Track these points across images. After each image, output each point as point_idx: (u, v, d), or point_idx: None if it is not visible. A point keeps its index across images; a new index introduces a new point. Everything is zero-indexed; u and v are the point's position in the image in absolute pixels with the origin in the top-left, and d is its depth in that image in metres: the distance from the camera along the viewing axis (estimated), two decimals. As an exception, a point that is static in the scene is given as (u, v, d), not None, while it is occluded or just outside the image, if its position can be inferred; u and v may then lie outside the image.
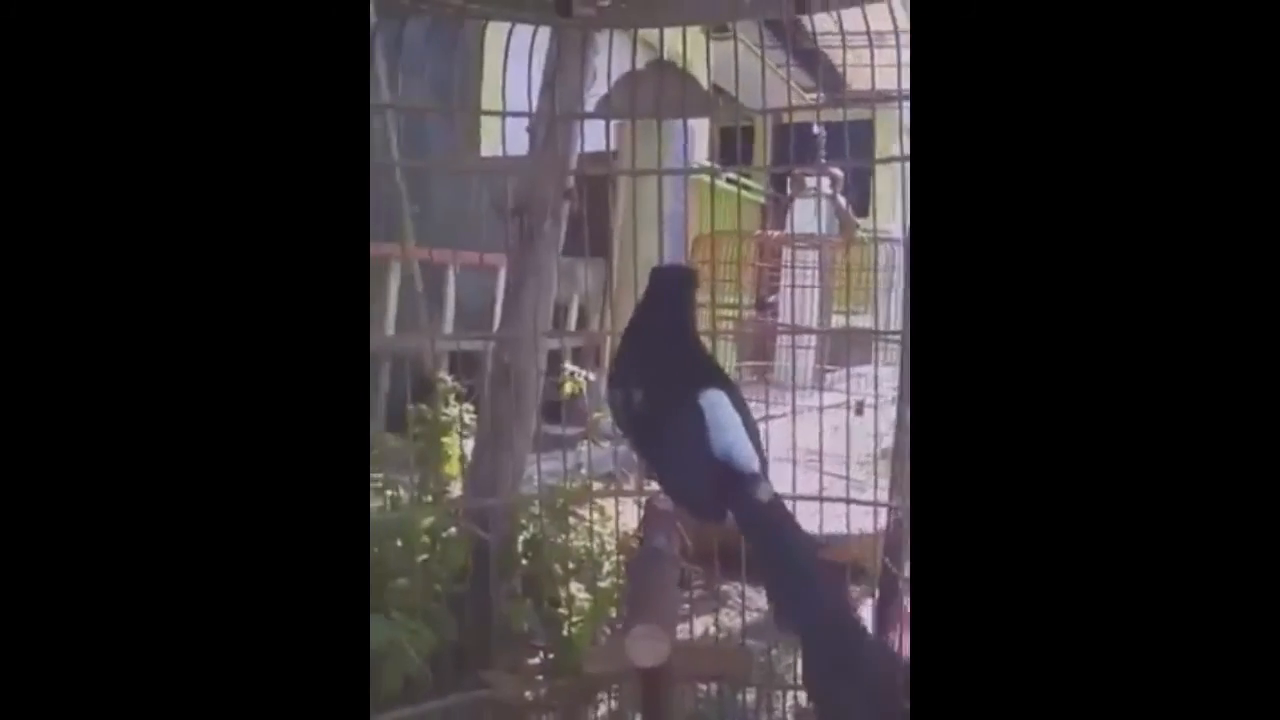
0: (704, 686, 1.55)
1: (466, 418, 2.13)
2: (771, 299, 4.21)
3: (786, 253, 4.12)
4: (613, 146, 2.29)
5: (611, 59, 1.73)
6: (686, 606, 2.10)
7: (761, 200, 5.62)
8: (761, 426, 1.66)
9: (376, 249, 2.99)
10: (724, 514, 0.93)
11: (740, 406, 0.98)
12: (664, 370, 0.99)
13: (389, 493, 1.84)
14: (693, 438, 0.93)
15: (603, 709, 1.61)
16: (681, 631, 1.72)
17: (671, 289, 1.06)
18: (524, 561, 1.80)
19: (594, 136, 1.77)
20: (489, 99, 1.62)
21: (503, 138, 1.57)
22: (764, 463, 0.97)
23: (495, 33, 1.68)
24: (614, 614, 1.68)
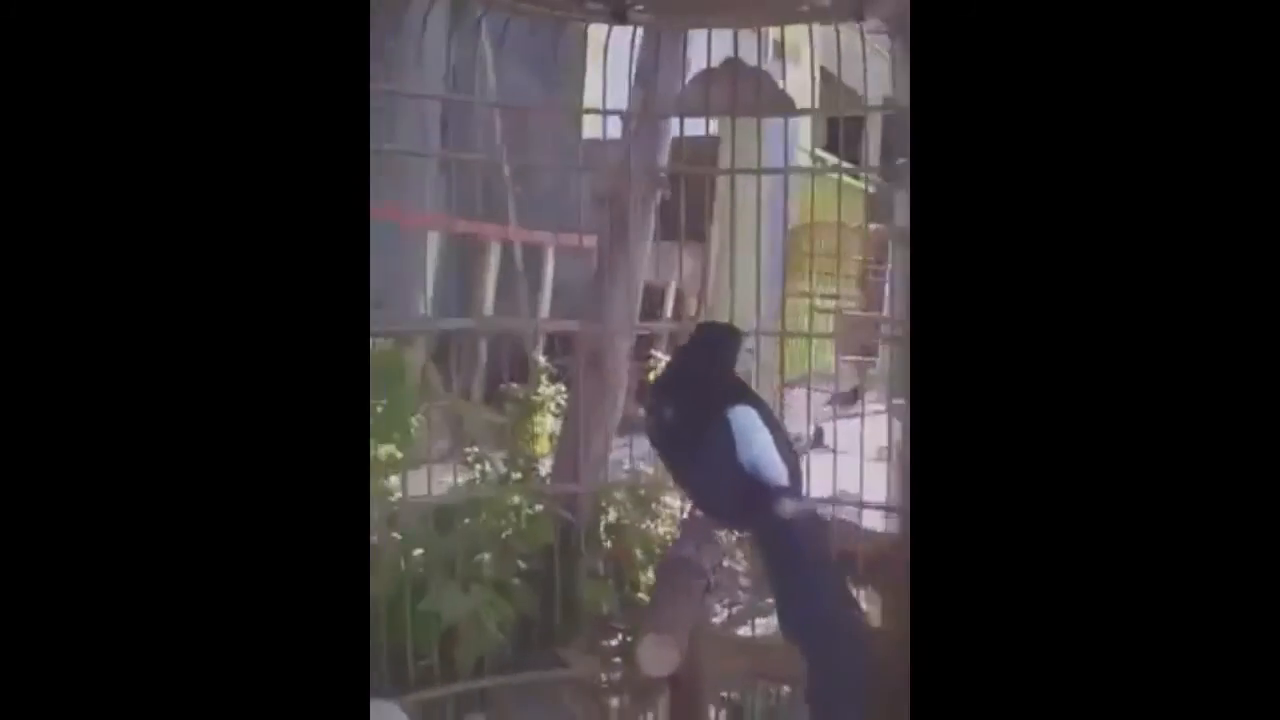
0: (775, 687, 1.55)
1: (559, 398, 2.17)
2: (837, 300, 4.12)
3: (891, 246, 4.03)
4: (714, 134, 2.28)
5: (687, 53, 1.72)
6: (769, 601, 2.09)
7: (870, 189, 5.50)
8: (857, 423, 1.65)
9: (473, 227, 3.05)
10: (750, 523, 0.93)
11: (770, 420, 0.99)
12: (696, 391, 1.02)
13: (478, 466, 1.90)
14: (720, 448, 0.94)
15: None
16: (747, 629, 1.72)
17: (711, 341, 1.08)
18: (606, 544, 1.82)
19: (693, 125, 1.77)
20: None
21: (579, 129, 1.58)
22: (796, 477, 0.97)
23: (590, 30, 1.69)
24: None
